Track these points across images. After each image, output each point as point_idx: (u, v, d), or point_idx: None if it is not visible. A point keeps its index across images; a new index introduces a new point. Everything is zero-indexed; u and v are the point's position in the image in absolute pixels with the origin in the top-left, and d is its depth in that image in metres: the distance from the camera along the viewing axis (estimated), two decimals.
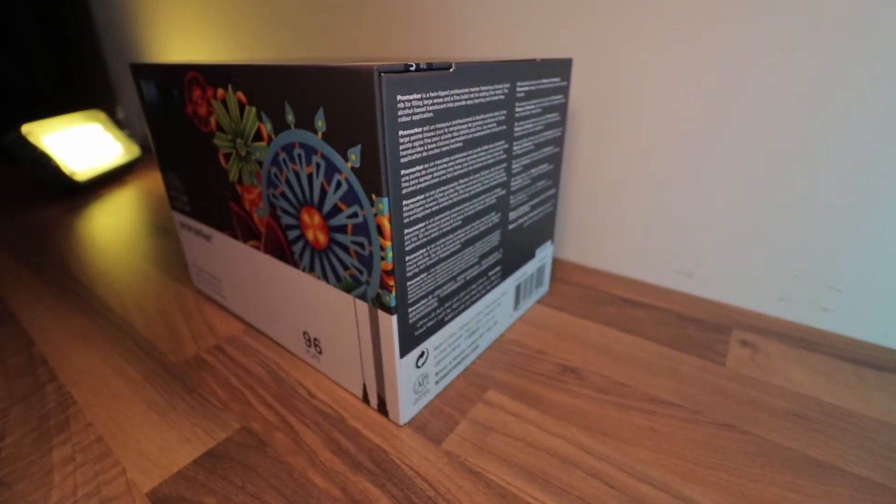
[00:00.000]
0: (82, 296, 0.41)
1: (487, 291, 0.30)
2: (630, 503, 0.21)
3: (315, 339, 0.29)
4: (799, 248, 0.34)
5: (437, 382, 0.27)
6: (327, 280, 0.25)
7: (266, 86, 0.23)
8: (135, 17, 0.89)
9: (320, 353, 0.29)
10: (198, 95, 0.28)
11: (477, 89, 0.23)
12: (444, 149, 0.22)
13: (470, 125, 0.23)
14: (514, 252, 0.32)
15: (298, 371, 0.30)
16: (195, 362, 0.32)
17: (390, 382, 0.25)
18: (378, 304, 0.23)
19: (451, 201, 0.24)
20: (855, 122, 0.30)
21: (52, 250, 0.51)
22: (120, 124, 0.98)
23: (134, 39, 0.92)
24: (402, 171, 0.20)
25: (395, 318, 0.22)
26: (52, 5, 0.93)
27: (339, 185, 0.21)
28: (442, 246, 0.24)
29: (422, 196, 0.22)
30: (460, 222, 0.25)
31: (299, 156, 0.23)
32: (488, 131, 0.25)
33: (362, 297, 0.23)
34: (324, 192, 0.23)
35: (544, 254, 0.36)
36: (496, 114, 0.25)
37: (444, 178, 0.23)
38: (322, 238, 0.24)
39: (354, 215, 0.21)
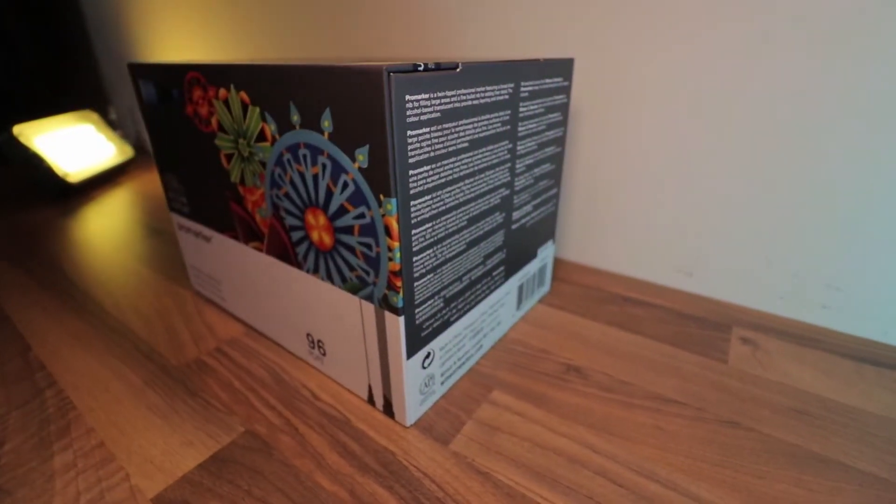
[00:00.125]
0: (78, 298, 0.40)
1: (491, 291, 0.30)
2: (638, 501, 0.21)
3: (319, 341, 0.29)
4: (798, 247, 0.34)
5: (442, 383, 0.27)
6: (332, 281, 0.25)
7: (270, 86, 0.23)
8: (127, 16, 0.88)
9: (324, 354, 0.29)
10: (199, 96, 0.28)
11: (482, 89, 0.23)
12: (450, 149, 0.22)
13: (475, 125, 0.23)
14: (518, 252, 0.32)
15: (301, 373, 0.30)
16: (196, 365, 0.31)
17: (397, 383, 0.24)
18: (385, 305, 0.23)
19: (457, 201, 0.23)
20: (854, 122, 0.30)
21: (46, 253, 0.50)
22: (112, 125, 0.97)
23: (126, 39, 0.91)
24: (411, 172, 0.20)
25: (402, 319, 0.22)
26: (43, 4, 0.91)
27: (345, 185, 0.21)
28: (448, 246, 0.24)
29: (429, 196, 0.21)
30: (466, 222, 0.25)
31: (304, 156, 0.23)
32: (493, 131, 0.25)
33: (368, 298, 0.23)
34: (329, 193, 0.22)
35: (546, 253, 0.36)
36: (501, 114, 0.25)
37: (450, 178, 0.22)
38: (327, 239, 0.24)
39: (361, 216, 0.21)
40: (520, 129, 0.27)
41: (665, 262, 0.41)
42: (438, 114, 0.20)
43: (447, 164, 0.22)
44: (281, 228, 0.27)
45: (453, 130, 0.22)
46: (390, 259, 0.21)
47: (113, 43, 0.96)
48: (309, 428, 0.26)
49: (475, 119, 0.23)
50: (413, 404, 0.25)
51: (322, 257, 0.25)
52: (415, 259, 0.22)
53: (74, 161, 0.70)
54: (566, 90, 0.31)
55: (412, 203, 0.21)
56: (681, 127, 0.36)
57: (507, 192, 0.28)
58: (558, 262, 0.46)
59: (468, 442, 0.25)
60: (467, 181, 0.24)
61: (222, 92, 0.26)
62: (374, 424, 0.26)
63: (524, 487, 0.22)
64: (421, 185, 0.21)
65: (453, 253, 0.24)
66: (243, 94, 0.25)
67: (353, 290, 0.24)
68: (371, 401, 0.27)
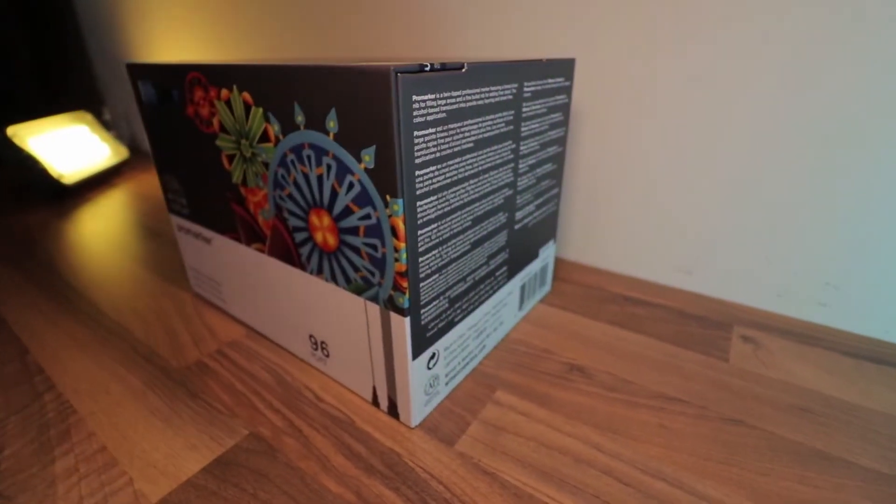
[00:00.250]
0: (75, 301, 0.40)
1: (494, 291, 0.30)
2: (645, 500, 0.21)
3: (322, 343, 0.28)
4: (797, 246, 0.35)
5: (446, 384, 0.27)
6: (336, 282, 0.25)
7: (274, 86, 0.23)
8: (121, 17, 0.87)
9: (327, 356, 0.29)
10: (200, 96, 0.28)
11: (487, 89, 0.23)
12: (455, 149, 0.22)
13: (480, 125, 0.23)
14: (520, 252, 0.32)
15: (304, 374, 0.30)
16: (197, 367, 0.31)
17: (402, 384, 0.24)
18: (390, 305, 0.22)
19: (461, 202, 0.23)
20: (852, 121, 0.31)
21: (42, 255, 0.49)
22: (107, 125, 0.96)
23: (120, 40, 0.91)
24: (417, 172, 0.20)
25: (408, 319, 0.22)
26: (37, 5, 0.90)
27: (351, 186, 0.21)
28: (453, 247, 0.24)
29: (435, 197, 0.21)
30: (470, 223, 0.25)
31: (309, 157, 0.23)
32: (497, 131, 0.25)
33: (374, 299, 0.23)
34: (335, 194, 0.22)
35: (547, 253, 0.37)
36: (504, 114, 0.25)
37: (455, 178, 0.22)
38: (332, 240, 0.24)
39: (367, 217, 0.21)
40: (523, 129, 0.27)
41: (665, 261, 0.41)
42: (444, 114, 0.20)
43: (453, 165, 0.22)
44: (284, 229, 0.27)
45: (459, 131, 0.22)
46: (396, 260, 0.21)
47: (107, 43, 0.95)
48: (313, 430, 0.26)
49: (480, 119, 0.23)
50: (418, 405, 0.25)
51: (326, 258, 0.25)
52: (420, 260, 0.22)
53: (69, 162, 0.69)
54: (567, 90, 0.31)
55: (418, 203, 0.21)
56: (680, 126, 0.37)
57: (511, 192, 0.28)
58: (559, 262, 0.46)
59: (474, 442, 0.25)
60: (472, 181, 0.24)
61: (224, 92, 0.26)
62: (379, 426, 0.26)
63: (531, 487, 0.22)
64: (427, 186, 0.21)
65: (458, 253, 0.24)
66: (246, 95, 0.25)
67: (358, 292, 0.24)
68: (375, 402, 0.27)
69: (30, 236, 0.55)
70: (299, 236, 0.26)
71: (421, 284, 0.22)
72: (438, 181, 0.21)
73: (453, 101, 0.21)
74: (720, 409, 0.27)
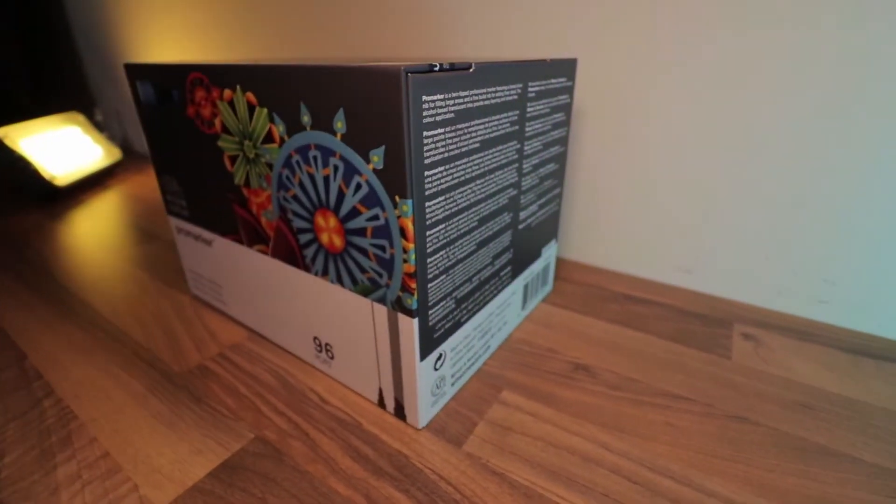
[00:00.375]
0: (72, 305, 0.39)
1: (499, 291, 0.30)
2: (654, 498, 0.22)
3: (327, 345, 0.28)
4: (796, 244, 0.35)
5: (453, 384, 0.27)
6: (342, 284, 0.25)
7: (280, 87, 0.22)
8: (112, 17, 0.86)
9: (332, 358, 0.28)
10: (201, 97, 0.27)
11: (493, 89, 0.23)
12: (463, 149, 0.22)
13: (486, 125, 0.23)
14: (523, 252, 0.32)
15: (308, 377, 0.30)
16: (199, 371, 0.31)
17: (409, 386, 0.24)
18: (398, 307, 0.22)
19: (468, 202, 0.23)
20: (851, 120, 0.31)
21: (35, 258, 0.49)
22: (99, 126, 0.95)
23: (111, 40, 0.90)
24: (426, 173, 0.20)
25: (416, 321, 0.22)
26: (28, 6, 0.89)
27: (358, 187, 0.21)
28: (460, 247, 0.24)
29: (443, 197, 0.21)
30: (476, 223, 0.25)
31: (315, 158, 0.23)
32: (502, 131, 0.25)
33: (381, 300, 0.23)
34: (341, 195, 0.22)
35: (549, 253, 0.37)
36: (510, 114, 0.25)
37: (463, 178, 0.22)
38: (338, 241, 0.24)
39: (375, 218, 0.21)
40: (527, 129, 0.27)
41: (666, 260, 0.41)
42: (452, 114, 0.20)
43: (460, 165, 0.22)
44: (288, 231, 0.26)
45: (466, 131, 0.22)
46: (405, 261, 0.21)
47: (98, 44, 0.94)
48: (319, 433, 0.25)
49: (486, 119, 0.23)
50: (425, 406, 0.25)
51: (332, 260, 0.25)
52: (429, 260, 0.22)
53: (61, 163, 0.68)
54: (570, 90, 0.32)
55: (427, 204, 0.20)
56: (679, 126, 0.37)
57: (515, 192, 0.28)
58: (560, 262, 0.46)
59: (481, 443, 0.25)
60: (478, 182, 0.24)
61: (227, 93, 0.26)
62: (386, 427, 0.26)
63: (541, 487, 0.22)
64: (436, 186, 0.21)
65: (465, 254, 0.24)
66: (250, 95, 0.24)
67: (365, 293, 0.24)
68: (381, 403, 0.27)
69: (22, 239, 0.54)
70: (304, 238, 0.26)
71: (429, 285, 0.22)
72: (447, 181, 0.21)
73: (461, 101, 0.21)
74: (725, 407, 0.27)
